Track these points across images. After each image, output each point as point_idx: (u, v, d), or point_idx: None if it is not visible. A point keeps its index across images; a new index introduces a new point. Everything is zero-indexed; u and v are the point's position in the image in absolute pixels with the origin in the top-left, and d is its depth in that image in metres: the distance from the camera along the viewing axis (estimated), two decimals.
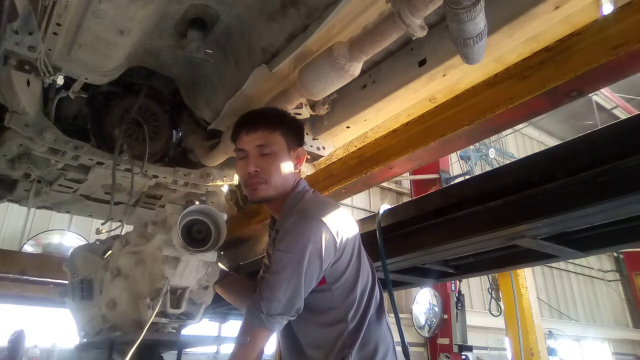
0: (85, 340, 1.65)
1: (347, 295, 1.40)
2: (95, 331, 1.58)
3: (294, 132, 1.53)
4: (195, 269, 1.50)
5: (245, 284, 1.74)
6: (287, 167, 1.48)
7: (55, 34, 1.48)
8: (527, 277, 5.38)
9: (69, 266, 1.72)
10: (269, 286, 1.33)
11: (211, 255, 1.50)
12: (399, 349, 1.53)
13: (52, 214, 5.88)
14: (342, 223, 1.40)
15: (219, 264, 1.67)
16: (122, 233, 2.13)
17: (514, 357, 5.20)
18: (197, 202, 1.49)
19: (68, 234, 5.95)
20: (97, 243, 1.78)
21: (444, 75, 1.55)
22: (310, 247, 1.30)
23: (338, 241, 1.35)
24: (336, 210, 1.42)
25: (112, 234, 1.95)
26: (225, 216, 1.53)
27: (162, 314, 1.46)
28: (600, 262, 14.94)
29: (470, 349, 7.96)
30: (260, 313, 1.31)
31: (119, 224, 2.20)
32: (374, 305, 1.46)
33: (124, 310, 1.51)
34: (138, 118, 2.22)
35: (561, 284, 13.36)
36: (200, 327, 1.76)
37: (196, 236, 1.46)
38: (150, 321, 1.37)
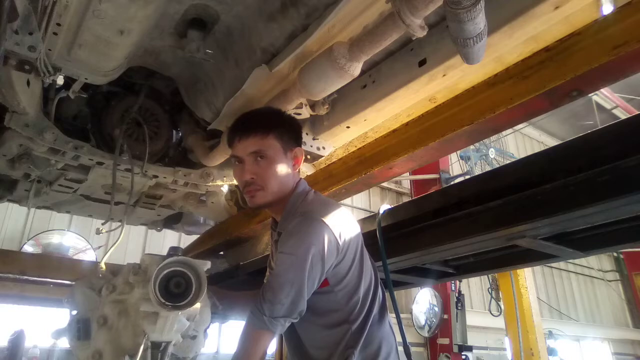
0: None
1: (350, 297, 1.39)
2: None
3: (289, 132, 1.50)
4: (178, 323, 1.43)
5: (246, 297, 1.70)
6: (284, 170, 1.45)
7: (55, 34, 1.48)
8: (527, 277, 5.39)
9: (69, 302, 1.63)
10: (272, 288, 1.31)
11: (192, 310, 1.42)
12: (400, 349, 1.53)
13: (52, 214, 5.89)
14: (344, 224, 1.39)
15: (213, 300, 1.61)
16: (122, 233, 2.13)
17: (514, 357, 5.21)
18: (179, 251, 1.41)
19: (68, 234, 5.96)
20: (100, 276, 1.70)
21: (444, 75, 1.55)
22: (312, 249, 1.28)
23: (340, 243, 1.35)
24: (338, 211, 1.41)
25: (112, 234, 1.91)
26: (208, 264, 1.46)
27: None
28: (600, 262, 14.95)
29: (470, 349, 7.96)
30: (263, 315, 1.30)
31: (119, 224, 2.20)
32: (377, 305, 1.45)
33: None
34: (138, 118, 2.22)
35: (561, 284, 13.36)
36: None
37: (174, 290, 1.38)
38: None
